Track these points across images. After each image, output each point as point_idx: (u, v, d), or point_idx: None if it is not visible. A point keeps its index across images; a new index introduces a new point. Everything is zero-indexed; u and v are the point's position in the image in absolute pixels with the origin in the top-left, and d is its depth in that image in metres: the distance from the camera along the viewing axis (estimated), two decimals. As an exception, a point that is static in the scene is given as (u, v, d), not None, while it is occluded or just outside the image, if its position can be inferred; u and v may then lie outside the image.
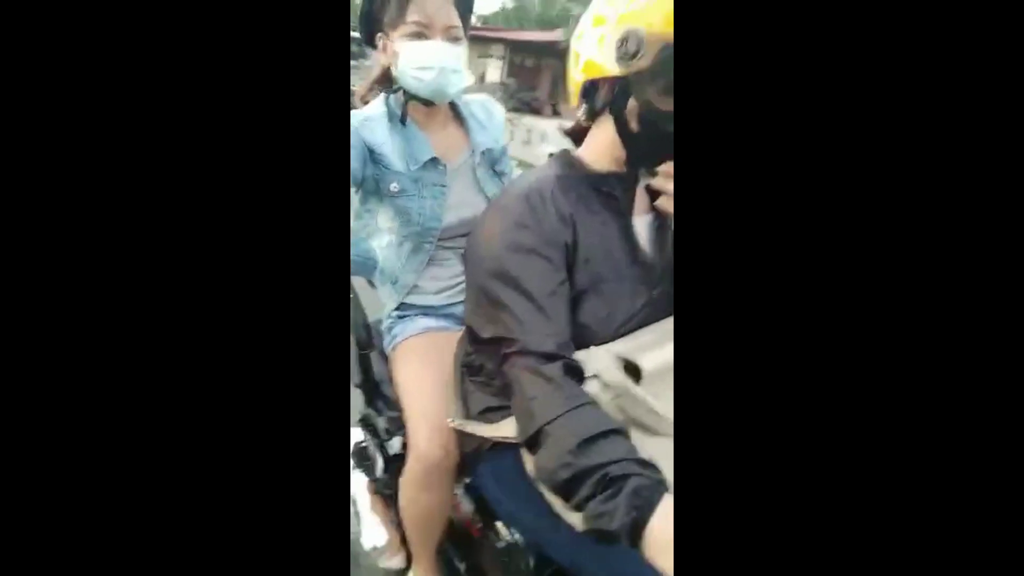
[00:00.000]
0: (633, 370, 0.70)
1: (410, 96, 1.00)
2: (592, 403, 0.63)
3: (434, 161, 1.02)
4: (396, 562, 1.13)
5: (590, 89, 0.73)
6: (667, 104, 0.66)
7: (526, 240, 0.69)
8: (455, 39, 0.99)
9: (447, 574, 1.08)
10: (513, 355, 0.67)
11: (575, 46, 0.74)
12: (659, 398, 0.68)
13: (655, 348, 0.71)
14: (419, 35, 0.96)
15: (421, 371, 0.96)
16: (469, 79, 1.05)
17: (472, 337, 0.74)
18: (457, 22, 0.99)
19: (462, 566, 1.07)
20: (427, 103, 1.02)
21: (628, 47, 0.66)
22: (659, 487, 0.56)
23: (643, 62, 0.66)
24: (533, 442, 0.65)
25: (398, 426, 1.01)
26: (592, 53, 0.71)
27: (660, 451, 0.70)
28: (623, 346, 0.71)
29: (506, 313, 0.68)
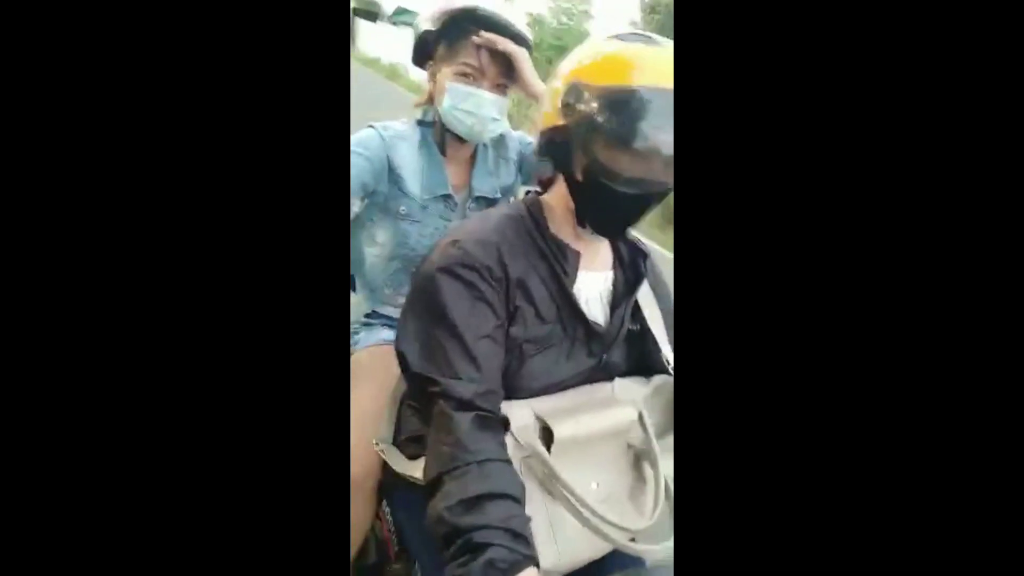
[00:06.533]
0: (547, 433, 0.68)
1: (447, 129, 1.02)
2: (492, 460, 0.62)
3: (447, 197, 1.04)
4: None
5: (545, 141, 0.74)
6: (611, 159, 0.67)
7: (471, 281, 0.69)
8: (502, 88, 1.00)
9: None
10: (434, 395, 0.67)
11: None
12: (564, 467, 0.67)
13: (573, 416, 0.70)
14: (470, 77, 0.97)
15: (365, 385, 0.96)
16: (506, 126, 1.06)
17: (402, 365, 0.73)
18: (508, 74, 0.99)
19: None
20: (460, 139, 1.03)
21: (569, 97, 0.68)
22: (522, 562, 0.55)
23: (584, 111, 0.67)
24: (431, 488, 0.64)
25: None
26: (547, 106, 0.73)
27: (555, 517, 0.68)
28: (544, 406, 0.70)
29: (437, 351, 0.68)
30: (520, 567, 0.55)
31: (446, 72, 0.98)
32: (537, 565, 0.57)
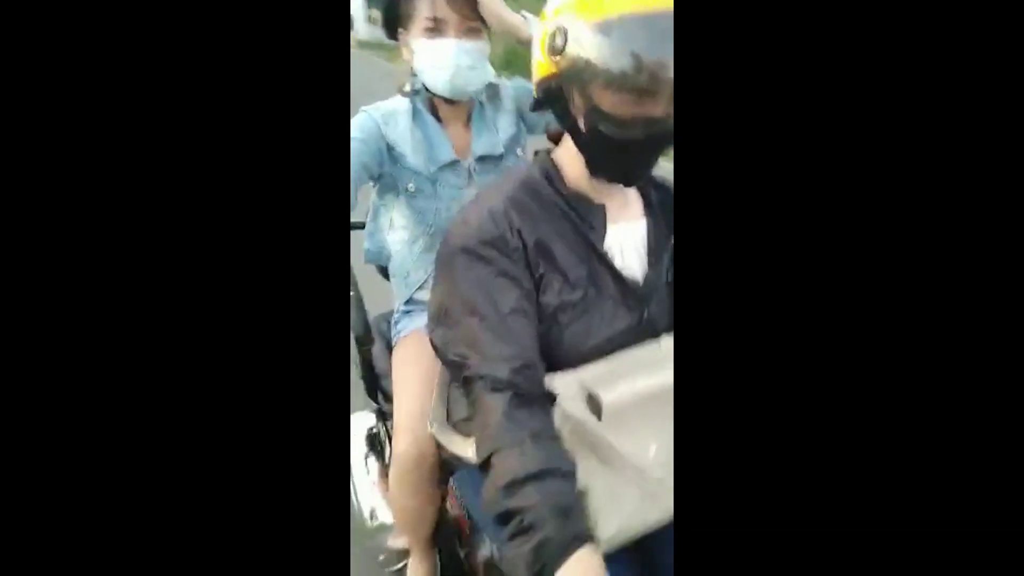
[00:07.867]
0: (595, 402, 0.66)
1: (432, 93, 0.99)
2: (536, 438, 0.61)
3: (454, 163, 1.01)
4: (401, 543, 1.17)
5: (542, 92, 0.69)
6: (608, 101, 0.61)
7: (488, 256, 0.66)
8: (474, 33, 0.95)
9: (448, 561, 1.10)
10: (469, 378, 0.65)
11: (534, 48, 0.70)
12: (617, 434, 0.64)
13: (621, 380, 0.67)
14: (435, 31, 0.93)
15: (413, 370, 0.96)
16: (492, 75, 1.01)
17: (437, 352, 0.73)
18: (476, 17, 0.94)
19: (463, 552, 1.09)
20: (449, 100, 0.99)
21: (556, 41, 0.62)
22: (571, 543, 0.54)
23: (574, 54, 0.61)
24: (483, 468, 0.64)
25: None
26: (537, 53, 0.67)
27: (615, 486, 0.66)
28: (589, 373, 0.68)
29: (466, 334, 0.66)
30: (572, 547, 0.54)
31: (413, 32, 0.95)
32: (591, 540, 0.56)
